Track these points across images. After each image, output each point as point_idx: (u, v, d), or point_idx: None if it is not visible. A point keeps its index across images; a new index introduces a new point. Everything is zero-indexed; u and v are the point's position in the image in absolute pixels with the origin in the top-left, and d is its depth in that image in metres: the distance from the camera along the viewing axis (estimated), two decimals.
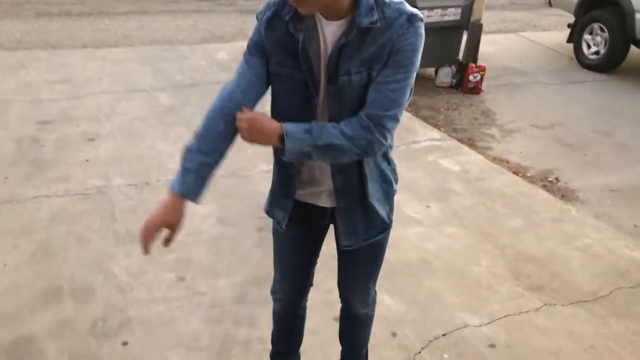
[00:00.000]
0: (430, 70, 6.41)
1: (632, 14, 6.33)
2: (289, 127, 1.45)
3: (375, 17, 1.42)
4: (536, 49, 7.68)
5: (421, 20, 1.47)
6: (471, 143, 4.76)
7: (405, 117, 5.13)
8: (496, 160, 4.45)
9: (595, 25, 6.81)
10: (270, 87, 1.58)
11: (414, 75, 1.48)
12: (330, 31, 1.46)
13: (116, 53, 6.32)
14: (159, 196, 3.51)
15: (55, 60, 5.99)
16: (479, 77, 5.95)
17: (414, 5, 5.40)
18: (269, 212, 1.80)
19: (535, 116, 5.38)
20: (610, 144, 4.88)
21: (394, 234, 1.81)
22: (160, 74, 5.76)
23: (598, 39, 6.79)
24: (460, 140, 4.75)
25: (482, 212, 3.62)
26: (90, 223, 3.28)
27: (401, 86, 1.45)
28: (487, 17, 6.13)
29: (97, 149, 4.12)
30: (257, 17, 1.56)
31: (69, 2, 8.89)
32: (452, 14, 5.90)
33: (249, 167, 3.93)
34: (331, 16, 1.45)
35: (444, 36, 6.01)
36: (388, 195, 1.73)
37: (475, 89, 5.96)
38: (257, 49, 1.55)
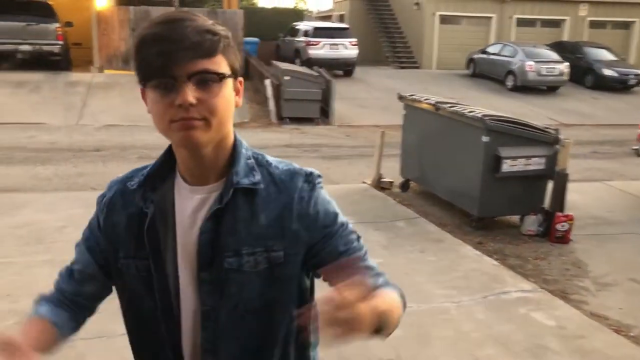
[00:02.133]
0: (515, 218, 6.32)
1: None
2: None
3: (258, 177, 1.15)
4: (626, 199, 7.45)
5: (318, 175, 1.22)
6: (564, 296, 4.51)
7: (492, 265, 5.00)
8: (593, 316, 4.17)
9: None
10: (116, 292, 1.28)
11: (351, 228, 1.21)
12: (196, 199, 1.15)
13: None
14: None
15: None
16: (567, 227, 5.78)
17: (496, 155, 5.47)
18: None
19: (633, 269, 5.08)
20: None
21: None
22: None
23: None
24: (552, 292, 4.52)
25: None
26: None
27: (355, 241, 1.20)
28: (571, 165, 6.09)
29: None
30: (97, 202, 1.28)
31: None
32: (536, 163, 5.93)
33: None
34: (201, 177, 1.15)
35: (528, 185, 6.00)
36: None
37: (564, 239, 5.77)
38: (87, 245, 1.26)
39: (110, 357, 3.31)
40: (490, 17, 23.07)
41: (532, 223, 6.00)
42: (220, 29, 1.10)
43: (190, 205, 1.15)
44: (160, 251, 1.16)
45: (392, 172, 7.61)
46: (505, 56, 18.33)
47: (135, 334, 1.28)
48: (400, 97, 7.42)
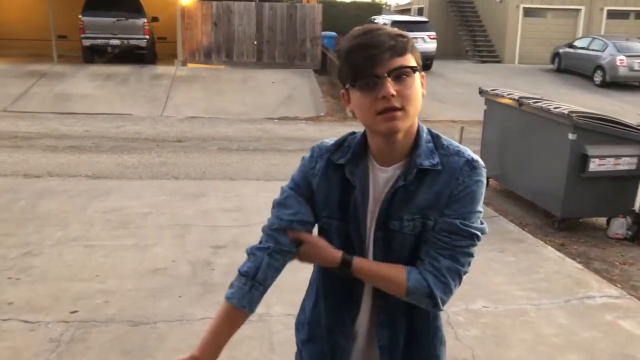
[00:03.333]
0: (602, 220, 6.01)
1: None
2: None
3: (437, 160, 1.37)
4: None
5: (483, 167, 1.38)
6: None
7: (575, 268, 4.77)
8: None
9: None
10: None
11: (475, 225, 1.37)
12: (383, 177, 1.41)
13: None
14: None
15: (231, 191, 6.59)
16: None
17: (583, 153, 5.24)
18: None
19: None
20: None
21: None
22: None
23: None
24: None
25: None
26: (249, 350, 3.35)
27: (459, 238, 1.35)
28: None
29: None
30: (304, 164, 1.51)
31: (246, 140, 9.91)
32: (627, 163, 5.61)
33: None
34: (391, 157, 1.40)
35: (616, 185, 5.69)
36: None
37: None
38: (301, 193, 1.49)
39: (190, 339, 3.42)
40: (578, 10, 22.00)
41: (620, 226, 5.68)
42: (405, 33, 1.36)
43: (380, 181, 1.41)
44: (359, 217, 1.42)
45: None
46: (594, 50, 17.42)
47: (326, 280, 1.54)
48: (481, 92, 7.22)
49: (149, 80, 14.30)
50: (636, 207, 5.67)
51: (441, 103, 14.20)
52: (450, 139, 1.46)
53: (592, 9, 21.89)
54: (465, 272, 1.39)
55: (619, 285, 4.51)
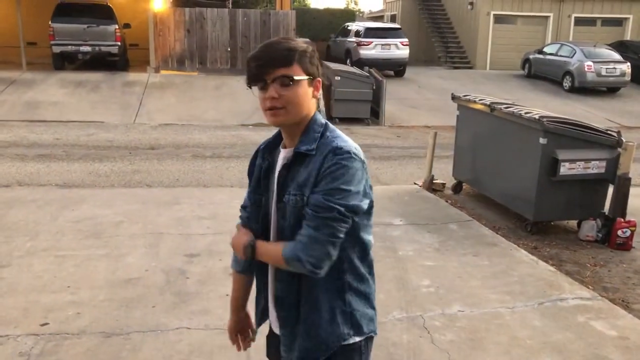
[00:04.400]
0: (573, 223, 6.11)
1: None
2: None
3: (313, 146, 1.66)
4: None
5: (348, 152, 1.62)
6: (626, 305, 4.32)
7: (548, 271, 4.84)
8: None
9: None
10: None
11: (340, 200, 1.59)
12: (283, 157, 1.74)
13: None
14: None
15: (205, 198, 6.52)
16: (628, 233, 5.55)
17: (554, 157, 5.25)
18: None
19: None
20: None
21: None
22: None
23: None
24: (612, 301, 4.34)
25: None
26: None
27: (321, 210, 1.60)
28: (633, 169, 5.84)
29: None
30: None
31: (220, 146, 9.84)
32: (596, 167, 5.71)
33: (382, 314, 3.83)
34: (291, 143, 1.72)
35: (587, 189, 5.79)
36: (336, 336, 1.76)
37: (625, 246, 5.54)
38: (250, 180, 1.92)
39: (164, 349, 3.37)
40: (547, 17, 22.45)
41: (590, 228, 5.78)
42: (299, 46, 1.66)
43: (283, 159, 1.74)
44: (269, 189, 1.79)
45: (445, 174, 7.48)
46: (563, 56, 17.77)
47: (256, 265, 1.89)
48: (454, 98, 7.29)
49: (121, 87, 14.12)
50: (606, 210, 5.78)
51: (414, 109, 14.33)
52: (338, 131, 1.73)
53: (561, 16, 22.36)
54: (331, 242, 1.60)
55: (590, 287, 4.58)
